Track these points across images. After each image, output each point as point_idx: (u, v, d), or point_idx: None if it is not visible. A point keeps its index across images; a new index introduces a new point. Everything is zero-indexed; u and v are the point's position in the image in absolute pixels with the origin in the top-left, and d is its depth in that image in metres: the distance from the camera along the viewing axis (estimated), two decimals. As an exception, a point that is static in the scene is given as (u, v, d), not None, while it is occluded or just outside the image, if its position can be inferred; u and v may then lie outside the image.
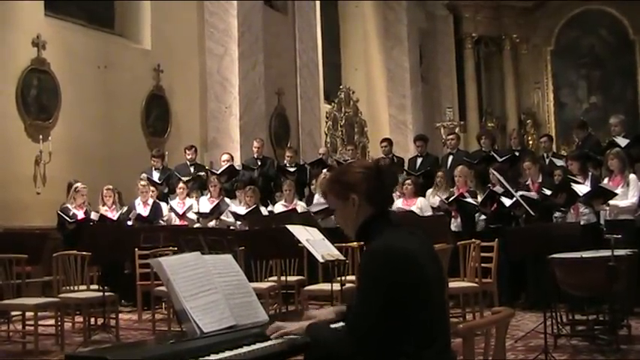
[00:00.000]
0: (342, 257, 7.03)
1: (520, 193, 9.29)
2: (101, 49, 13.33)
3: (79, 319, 8.46)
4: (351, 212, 2.97)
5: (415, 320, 2.72)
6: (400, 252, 2.76)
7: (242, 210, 10.73)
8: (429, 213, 10.28)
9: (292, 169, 12.40)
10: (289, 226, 6.80)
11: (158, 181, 11.68)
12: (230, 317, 3.12)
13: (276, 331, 2.96)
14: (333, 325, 3.09)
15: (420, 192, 10.83)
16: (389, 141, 13.40)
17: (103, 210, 10.46)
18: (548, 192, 9.43)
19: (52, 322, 7.91)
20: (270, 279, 8.57)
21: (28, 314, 7.49)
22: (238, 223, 10.77)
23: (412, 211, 10.11)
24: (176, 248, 8.10)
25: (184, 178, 11.68)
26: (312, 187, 11.78)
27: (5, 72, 11.62)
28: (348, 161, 12.47)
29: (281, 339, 2.96)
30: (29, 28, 12.07)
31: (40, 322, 7.18)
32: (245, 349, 2.88)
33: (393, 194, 2.97)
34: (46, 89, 12.29)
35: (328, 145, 17.33)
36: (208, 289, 3.11)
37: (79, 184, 10.49)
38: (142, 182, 10.99)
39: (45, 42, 12.27)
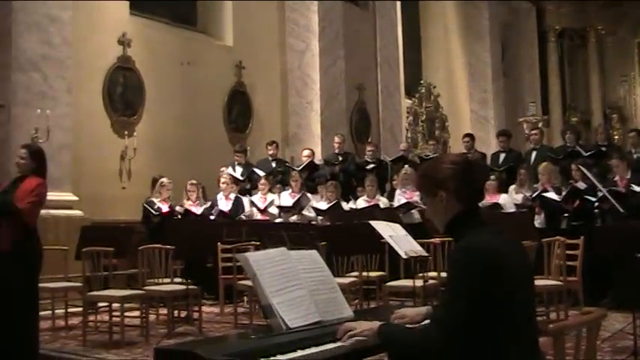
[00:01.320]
0: (425, 253, 6.94)
1: (607, 188, 9.03)
2: (184, 47, 13.53)
3: (163, 311, 8.58)
4: (440, 208, 2.90)
5: (502, 318, 2.65)
6: (489, 251, 2.69)
7: (323, 205, 10.72)
8: (512, 210, 10.09)
9: (373, 165, 12.34)
10: (372, 222, 6.74)
11: (240, 177, 11.77)
12: (315, 313, 3.10)
13: (345, 332, 2.91)
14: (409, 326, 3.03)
15: (503, 188, 10.64)
16: (471, 136, 13.21)
17: (187, 204, 10.59)
18: (637, 188, 9.13)
19: (137, 313, 8.06)
20: (351, 274, 8.54)
21: (115, 305, 7.64)
22: (319, 218, 10.77)
23: (497, 204, 9.95)
24: (258, 243, 8.14)
25: (264, 173, 11.73)
26: (394, 182, 11.69)
27: (92, 70, 11.89)
28: (429, 156, 12.35)
29: (350, 340, 2.90)
30: (115, 27, 12.33)
31: (125, 314, 7.31)
32: (331, 345, 2.85)
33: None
34: (131, 86, 12.54)
35: (409, 141, 17.19)
36: (294, 284, 3.09)
37: (164, 179, 10.65)
38: (224, 177, 11.08)
39: (130, 40, 12.52)
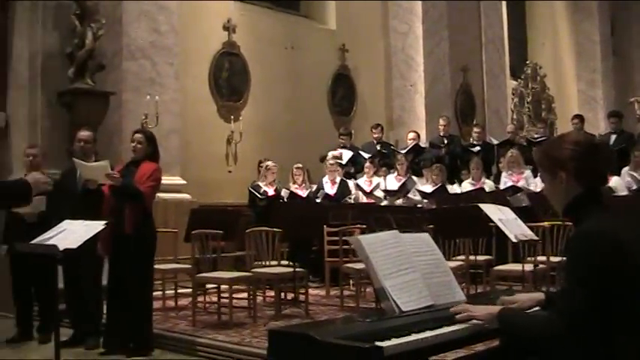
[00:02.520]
0: (535, 237, 6.74)
1: None
2: (288, 31, 13.58)
3: (270, 293, 8.65)
4: (559, 189, 2.77)
5: (627, 309, 2.50)
6: (611, 237, 2.54)
7: (428, 188, 10.58)
8: (625, 193, 9.69)
9: (478, 147, 12.09)
10: (482, 205, 6.58)
11: (344, 160, 11.73)
12: (428, 296, 3.02)
13: (463, 312, 2.82)
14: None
15: (614, 171, 10.23)
16: (580, 117, 12.75)
17: (293, 188, 10.63)
18: None
19: (244, 295, 8.14)
20: (457, 258, 8.39)
21: (223, 287, 7.73)
22: (424, 201, 10.63)
23: (610, 188, 9.58)
24: (364, 226, 8.09)
25: (369, 156, 11.66)
26: (500, 165, 11.42)
27: (199, 56, 12.09)
28: (536, 139, 12.02)
29: (467, 323, 2.81)
30: (220, 14, 12.49)
31: (234, 295, 7.38)
32: (445, 329, 2.77)
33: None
34: (237, 71, 12.69)
35: (515, 122, 16.78)
36: (407, 267, 3.01)
37: (269, 163, 10.73)
38: (330, 161, 11.07)
39: (235, 26, 12.66)
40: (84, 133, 6.89)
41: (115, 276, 6.37)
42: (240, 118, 12.41)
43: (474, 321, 2.79)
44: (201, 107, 12.09)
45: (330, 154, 11.47)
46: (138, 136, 6.48)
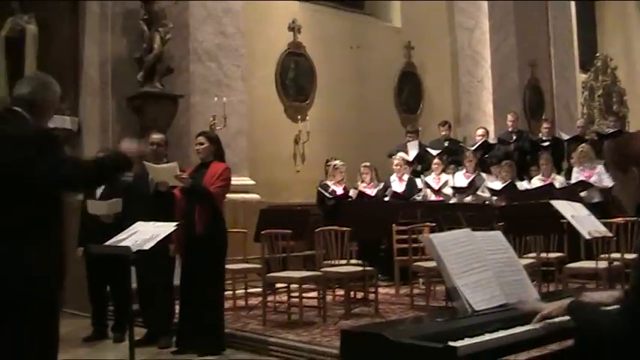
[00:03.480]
0: (609, 234, 6.57)
1: None
2: (353, 30, 13.55)
3: (339, 292, 8.64)
4: (631, 185, 2.68)
5: None
6: None
7: (498, 185, 10.43)
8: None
9: (548, 143, 11.87)
10: (553, 202, 6.45)
11: (412, 158, 11.65)
12: (501, 295, 2.98)
13: (535, 312, 2.76)
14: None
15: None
16: (655, 110, 12.42)
17: (361, 187, 10.61)
18: None
19: (314, 294, 8.15)
20: (528, 255, 8.25)
21: (293, 286, 7.76)
22: (494, 198, 10.49)
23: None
24: (434, 224, 8.02)
25: (436, 152, 11.56)
26: (572, 160, 11.18)
27: (265, 57, 12.16)
28: (608, 132, 11.75)
29: (542, 322, 2.75)
30: (285, 14, 12.55)
31: (303, 294, 7.40)
32: (519, 329, 2.72)
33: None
34: (303, 72, 12.73)
35: (585, 116, 16.43)
36: (479, 266, 2.97)
37: (337, 162, 10.72)
38: (397, 159, 11.00)
39: (300, 26, 12.69)
40: (156, 136, 7.01)
41: (187, 276, 6.46)
42: (307, 118, 12.43)
43: (553, 320, 2.74)
44: (269, 108, 12.16)
45: (399, 155, 11.38)
46: (200, 137, 6.62)
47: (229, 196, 9.71)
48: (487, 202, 10.41)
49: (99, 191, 7.20)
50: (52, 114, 3.79)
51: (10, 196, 3.36)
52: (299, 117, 12.39)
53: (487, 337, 2.60)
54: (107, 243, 5.02)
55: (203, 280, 6.32)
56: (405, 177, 10.88)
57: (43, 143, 3.44)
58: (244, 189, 10.40)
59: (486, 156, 11.75)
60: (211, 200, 6.30)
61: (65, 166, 3.52)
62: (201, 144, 6.54)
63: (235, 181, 10.05)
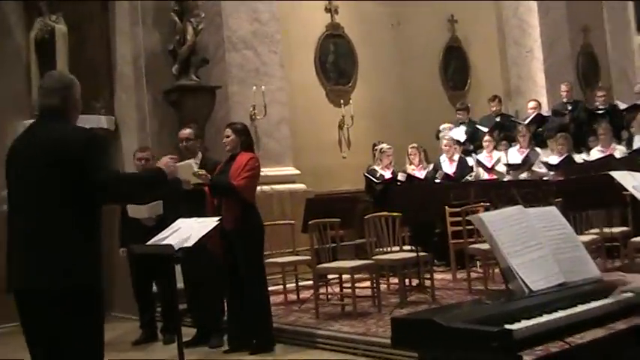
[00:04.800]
0: (675, 203, 6.42)
1: None
2: (392, 7, 13.46)
3: (393, 280, 8.62)
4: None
5: None
6: None
7: (554, 159, 10.28)
8: None
9: (605, 111, 11.65)
10: (613, 173, 6.32)
11: (464, 135, 11.54)
12: (559, 274, 2.93)
13: (621, 283, 2.71)
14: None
15: None
16: None
17: (410, 169, 10.56)
18: None
19: (367, 284, 8.14)
20: (590, 232, 8.12)
21: (345, 277, 7.75)
22: (550, 173, 10.34)
23: None
24: (488, 204, 7.95)
25: (487, 129, 11.45)
26: (632, 129, 10.95)
27: (303, 42, 12.15)
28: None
29: (619, 296, 2.70)
30: (320, -4, 12.53)
31: (356, 284, 7.39)
32: (580, 308, 2.67)
33: None
34: (343, 54, 12.70)
35: (644, 81, 16.09)
36: (534, 244, 2.93)
37: (384, 145, 10.68)
38: (446, 139, 10.91)
39: (337, 7, 12.66)
40: (183, 132, 7.07)
41: (230, 273, 6.49)
42: (350, 101, 12.40)
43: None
44: (310, 94, 12.16)
45: (442, 127, 11.30)
46: (226, 130, 6.64)
47: (274, 187, 9.89)
48: (544, 178, 10.27)
49: None
50: (80, 112, 3.82)
51: (58, 196, 3.41)
52: (342, 101, 12.37)
53: (545, 318, 2.56)
54: (149, 242, 5.06)
55: (243, 277, 6.35)
56: (456, 157, 10.79)
57: (95, 144, 3.51)
58: (289, 179, 10.42)
59: (540, 129, 11.57)
60: (236, 194, 6.29)
61: (125, 182, 3.73)
62: (227, 136, 6.56)
63: (279, 171, 10.16)
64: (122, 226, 7.41)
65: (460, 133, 11.53)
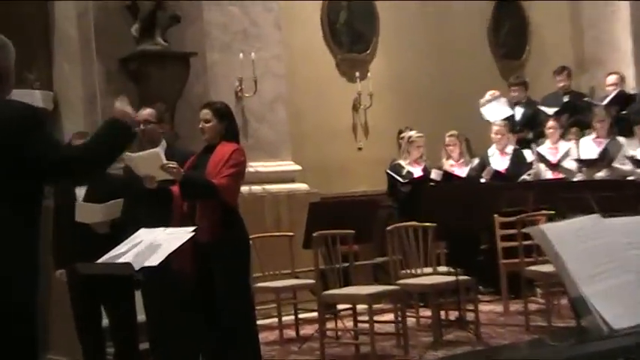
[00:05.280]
0: None
1: None
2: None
3: (424, 312, 8.61)
4: None
5: None
6: None
7: (643, 152, 10.32)
8: None
9: None
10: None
11: (519, 120, 11.54)
12: (650, 307, 2.91)
13: None
14: None
15: None
16: None
17: (447, 165, 10.56)
18: None
19: (390, 316, 8.14)
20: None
21: (360, 307, 7.75)
22: (637, 171, 10.34)
23: None
24: (552, 212, 7.95)
25: (551, 111, 11.43)
26: None
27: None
28: None
29: None
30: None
31: (375, 318, 7.38)
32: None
33: None
34: (359, 12, 12.69)
35: None
36: (615, 266, 2.91)
37: (413, 133, 10.66)
38: (497, 125, 10.88)
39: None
40: (142, 112, 6.98)
41: (205, 302, 6.45)
42: (369, 74, 12.38)
43: None
44: (315, 64, 12.13)
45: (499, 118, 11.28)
46: (203, 112, 6.51)
47: (266, 187, 9.89)
48: (628, 178, 10.27)
49: (81, 192, 7.20)
50: (13, 82, 3.81)
51: None
52: (357, 74, 12.34)
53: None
54: (101, 260, 5.04)
55: (222, 305, 6.31)
56: (510, 149, 10.79)
57: (39, 122, 3.53)
58: (287, 177, 10.43)
59: (624, 112, 11.57)
60: (215, 195, 6.23)
61: (89, 149, 3.82)
62: (205, 120, 6.47)
63: (273, 167, 10.16)
64: (58, 238, 7.31)
65: (505, 111, 11.51)
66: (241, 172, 6.44)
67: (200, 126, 6.48)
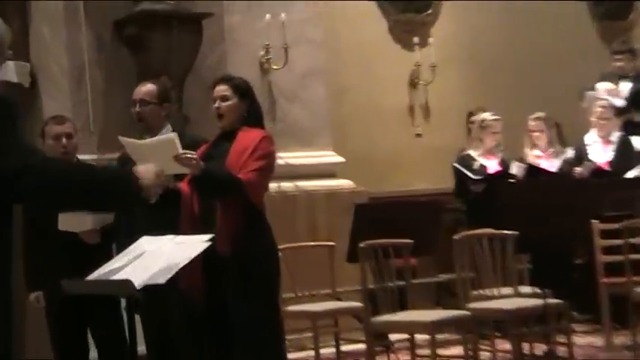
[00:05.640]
0: None
1: None
2: None
3: (502, 345, 8.59)
4: None
5: None
6: None
7: None
8: None
9: None
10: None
11: (623, 101, 11.49)
12: None
13: None
14: None
15: None
16: None
17: (532, 156, 10.51)
18: None
19: (458, 349, 8.12)
20: None
21: (420, 337, 7.75)
22: None
23: None
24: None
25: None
26: None
27: None
28: None
29: None
30: None
31: (438, 351, 7.38)
32: None
33: None
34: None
35: None
36: None
37: (487, 115, 10.63)
38: (599, 105, 10.81)
39: None
40: (140, 88, 6.99)
41: (218, 330, 6.45)
42: (430, 40, 12.36)
43: None
44: (361, 27, 12.12)
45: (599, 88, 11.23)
46: (220, 88, 6.43)
47: (298, 184, 9.89)
48: None
49: None
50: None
51: None
52: (415, 40, 12.33)
53: None
54: (92, 276, 5.05)
55: (244, 334, 6.29)
56: (614, 136, 10.72)
57: None
58: (326, 171, 10.43)
59: None
60: (242, 194, 6.20)
61: (60, 175, 3.66)
62: (224, 98, 6.41)
63: (309, 158, 10.16)
64: (30, 250, 7.31)
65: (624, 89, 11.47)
66: (271, 165, 6.38)
67: (216, 105, 6.39)
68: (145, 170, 3.96)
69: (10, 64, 9.43)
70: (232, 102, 6.37)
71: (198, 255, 5.09)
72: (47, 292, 6.89)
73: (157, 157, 5.78)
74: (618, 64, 11.89)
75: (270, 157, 6.36)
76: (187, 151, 6.00)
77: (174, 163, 5.92)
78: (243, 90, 6.47)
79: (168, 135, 6.25)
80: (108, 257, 5.23)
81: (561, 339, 7.96)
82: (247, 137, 6.29)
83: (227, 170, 6.18)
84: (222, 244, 6.00)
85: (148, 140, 6.34)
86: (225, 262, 6.12)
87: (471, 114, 11.30)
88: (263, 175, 6.28)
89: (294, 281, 8.11)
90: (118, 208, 3.95)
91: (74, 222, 6.86)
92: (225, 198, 6.20)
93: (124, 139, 6.27)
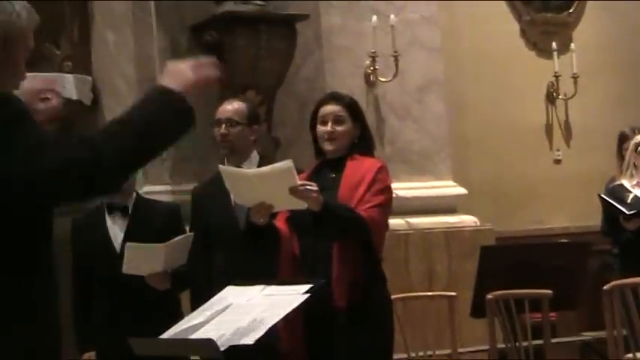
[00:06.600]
0: None
1: None
2: None
3: None
4: None
5: None
6: None
7: None
8: None
9: None
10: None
11: None
12: None
13: None
14: None
15: None
16: None
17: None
18: None
19: None
20: None
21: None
22: None
23: None
24: None
25: None
26: None
27: None
28: None
29: None
30: None
31: None
32: None
33: None
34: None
35: None
36: None
37: (643, 136, 10.59)
38: None
39: None
40: (226, 107, 7.01)
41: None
42: (572, 45, 12.33)
43: None
44: (488, 30, 12.14)
45: None
46: (333, 108, 6.36)
47: (409, 220, 9.87)
48: None
49: (119, 224, 7.21)
50: (26, 56, 3.83)
51: None
52: (554, 46, 12.30)
53: None
54: (166, 334, 5.08)
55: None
56: None
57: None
58: (445, 206, 10.43)
59: None
60: (366, 235, 6.14)
61: (114, 135, 3.51)
62: (338, 121, 6.38)
63: (425, 189, 10.15)
64: (80, 299, 7.32)
65: None
66: (390, 201, 6.34)
67: (329, 129, 6.29)
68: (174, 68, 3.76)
69: (70, 77, 9.54)
70: (345, 126, 6.32)
71: (299, 309, 5.10)
72: (101, 352, 6.89)
73: (267, 189, 5.75)
74: None
75: (389, 191, 6.34)
76: (306, 182, 5.95)
77: (288, 197, 5.84)
78: (356, 111, 6.46)
79: (285, 163, 6.01)
80: (175, 309, 5.23)
81: None
82: (360, 167, 6.27)
83: (347, 205, 6.10)
84: (340, 296, 5.99)
85: (258, 169, 6.28)
86: (339, 316, 6.06)
87: (623, 135, 11.22)
88: (385, 212, 6.26)
89: (406, 338, 8.09)
90: (184, 125, 3.73)
91: (142, 263, 6.82)
92: (345, 239, 6.13)
93: (225, 168, 6.26)
